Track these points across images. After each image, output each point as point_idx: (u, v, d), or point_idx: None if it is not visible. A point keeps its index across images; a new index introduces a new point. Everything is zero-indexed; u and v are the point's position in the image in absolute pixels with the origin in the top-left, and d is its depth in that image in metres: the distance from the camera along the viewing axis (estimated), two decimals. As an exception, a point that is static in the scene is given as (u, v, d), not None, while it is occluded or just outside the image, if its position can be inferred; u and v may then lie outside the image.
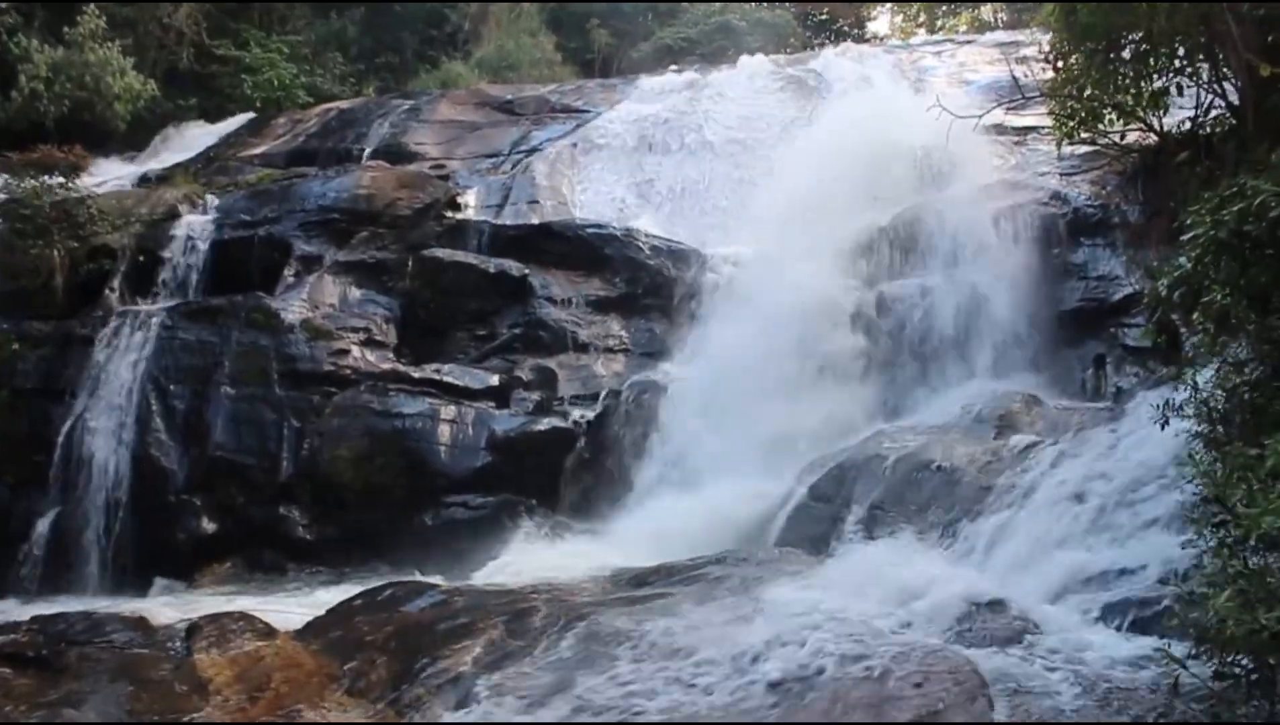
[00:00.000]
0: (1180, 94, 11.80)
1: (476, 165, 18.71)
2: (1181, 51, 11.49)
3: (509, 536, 12.13)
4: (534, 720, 5.96)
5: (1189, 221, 6.43)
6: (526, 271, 15.43)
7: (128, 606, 10.11)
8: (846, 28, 35.64)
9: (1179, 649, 4.77)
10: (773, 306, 13.57)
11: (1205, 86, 11.63)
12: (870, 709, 5.45)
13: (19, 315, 14.73)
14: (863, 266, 13.92)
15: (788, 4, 35.27)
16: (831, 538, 9.88)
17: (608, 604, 7.62)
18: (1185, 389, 6.37)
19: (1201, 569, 5.00)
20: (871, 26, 38.23)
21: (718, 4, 31.62)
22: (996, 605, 6.71)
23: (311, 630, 8.06)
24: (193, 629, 7.77)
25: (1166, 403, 6.35)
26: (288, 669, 7.09)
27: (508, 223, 16.55)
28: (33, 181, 15.54)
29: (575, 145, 18.89)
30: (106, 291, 15.40)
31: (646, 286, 15.44)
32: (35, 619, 8.30)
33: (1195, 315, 6.61)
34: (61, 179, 15.77)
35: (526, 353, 14.78)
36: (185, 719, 6.36)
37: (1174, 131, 12.19)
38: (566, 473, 13.46)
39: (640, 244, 15.74)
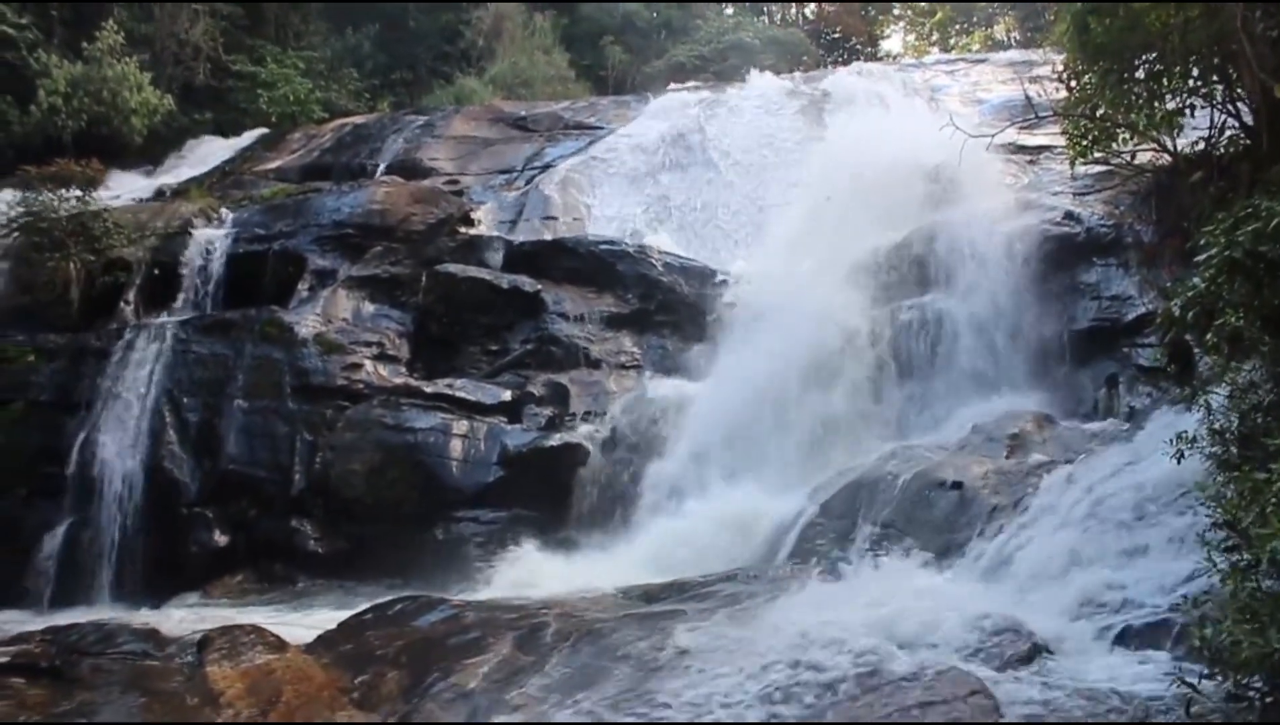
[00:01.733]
0: (1193, 114, 11.79)
1: (490, 181, 18.81)
2: (1195, 72, 11.48)
3: (520, 552, 12.12)
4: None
5: (1203, 242, 6.42)
6: (539, 287, 15.49)
7: (139, 618, 10.15)
8: (859, 46, 35.73)
9: (1192, 671, 4.76)
10: (785, 324, 13.58)
11: (1219, 107, 11.62)
12: (881, 728, 5.44)
13: (35, 327, 14.87)
14: (875, 285, 13.91)
15: (801, 21, 35.39)
16: (843, 556, 9.85)
17: (619, 620, 7.62)
18: (1198, 411, 6.35)
19: (1214, 592, 4.98)
20: (884, 45, 38.35)
21: (730, 22, 31.74)
22: (1008, 625, 6.68)
23: (322, 643, 8.08)
24: (204, 641, 7.78)
25: (1180, 436, 6.33)
26: (298, 682, 7.10)
27: (521, 239, 16.63)
28: (49, 195, 15.67)
29: (588, 162, 18.96)
30: (121, 304, 15.52)
31: (659, 303, 15.49)
32: (48, 630, 8.33)
33: (1209, 336, 6.59)
34: (78, 192, 15.91)
35: (539, 368, 14.82)
36: (197, 731, 6.38)
37: (1188, 152, 12.18)
38: (578, 488, 13.45)
39: (653, 261, 15.80)
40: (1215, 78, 11.43)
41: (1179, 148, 12.34)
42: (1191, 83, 11.64)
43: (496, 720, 6.14)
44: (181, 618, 10.57)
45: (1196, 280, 6.57)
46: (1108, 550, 7.61)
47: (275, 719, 6.57)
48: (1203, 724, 4.74)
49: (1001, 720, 5.41)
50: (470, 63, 28.72)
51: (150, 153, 21.99)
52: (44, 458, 13.78)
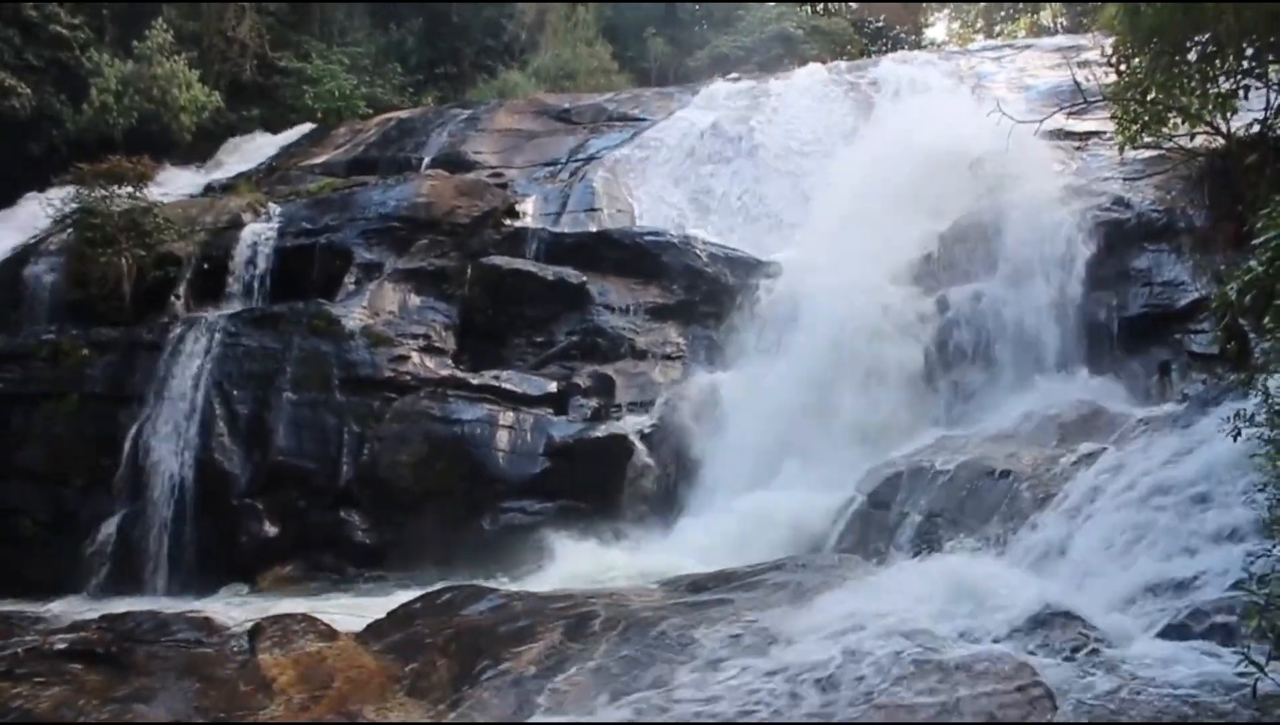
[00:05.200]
0: (1248, 96, 11.57)
1: (534, 173, 18.84)
2: (1250, 52, 11.26)
3: (567, 542, 12.15)
4: (594, 723, 5.96)
5: (1260, 225, 6.32)
6: (584, 279, 15.52)
7: (192, 606, 10.28)
8: (904, 35, 35.42)
9: (1255, 657, 4.66)
10: (831, 314, 13.52)
11: (1274, 88, 11.40)
12: (933, 715, 5.39)
13: (88, 321, 15.13)
14: (923, 273, 13.81)
15: (845, 10, 35.12)
16: (891, 545, 9.80)
17: (666, 609, 7.59)
18: (1255, 395, 6.23)
19: (1276, 576, 4.88)
20: (929, 33, 38.01)
21: (774, 12, 31.52)
22: (1061, 614, 6.58)
23: (372, 632, 8.12)
24: (256, 629, 7.84)
25: (1238, 413, 6.21)
26: (349, 669, 7.14)
27: (566, 230, 16.65)
28: (102, 191, 15.91)
29: (633, 153, 18.94)
30: (172, 298, 15.75)
31: (704, 294, 15.47)
32: (104, 617, 8.43)
33: (1266, 320, 6.48)
34: (130, 188, 16.15)
35: (584, 360, 14.85)
36: (251, 717, 6.44)
37: (1242, 134, 11.95)
38: (624, 479, 13.46)
39: (698, 251, 15.77)
40: (1270, 57, 11.21)
41: (1233, 130, 12.11)
42: (1246, 64, 11.41)
43: (540, 719, 6.13)
44: (233, 607, 10.71)
45: (1253, 263, 6.46)
46: (1163, 538, 7.48)
47: (327, 705, 6.62)
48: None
49: (1057, 710, 5.35)
50: (513, 56, 28.80)
51: (199, 149, 22.29)
52: (98, 449, 14.02)
